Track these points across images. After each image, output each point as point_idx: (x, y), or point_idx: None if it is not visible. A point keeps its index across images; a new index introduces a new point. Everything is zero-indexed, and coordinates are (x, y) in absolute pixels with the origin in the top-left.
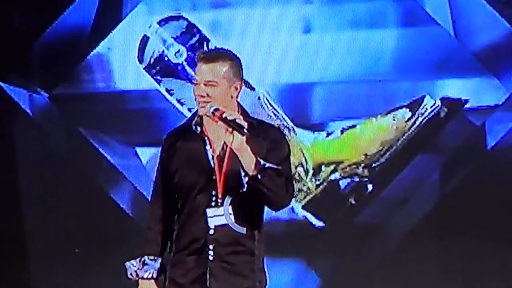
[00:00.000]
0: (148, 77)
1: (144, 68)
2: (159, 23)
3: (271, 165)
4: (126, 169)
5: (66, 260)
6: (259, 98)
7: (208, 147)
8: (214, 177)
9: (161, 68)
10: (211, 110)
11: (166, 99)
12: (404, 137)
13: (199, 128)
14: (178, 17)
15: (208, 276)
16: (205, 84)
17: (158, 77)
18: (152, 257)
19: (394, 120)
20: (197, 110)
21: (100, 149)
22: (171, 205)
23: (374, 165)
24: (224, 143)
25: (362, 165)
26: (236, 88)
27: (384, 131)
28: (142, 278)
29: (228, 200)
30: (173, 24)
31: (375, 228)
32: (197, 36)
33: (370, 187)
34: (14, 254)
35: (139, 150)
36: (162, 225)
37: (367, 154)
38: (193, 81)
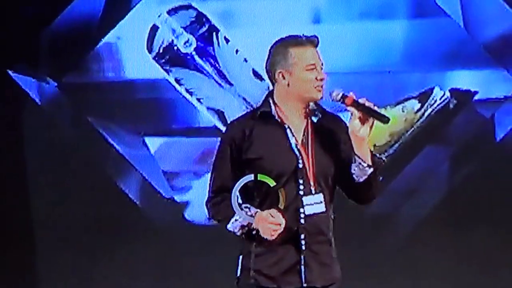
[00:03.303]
0: (157, 66)
1: (153, 58)
2: (168, 12)
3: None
4: (134, 158)
5: (74, 248)
6: (268, 88)
7: (290, 135)
8: (300, 166)
9: (170, 57)
10: (340, 95)
11: (175, 89)
12: (413, 128)
13: (277, 117)
14: (188, 7)
15: (302, 266)
16: (321, 68)
17: (167, 67)
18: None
19: (403, 111)
20: (266, 98)
21: (109, 138)
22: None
23: (383, 156)
24: (305, 130)
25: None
26: None
27: (394, 122)
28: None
29: (318, 188)
30: (183, 13)
31: (384, 219)
32: (207, 26)
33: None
34: (22, 243)
35: (147, 139)
36: None
37: (376, 145)
38: (307, 67)
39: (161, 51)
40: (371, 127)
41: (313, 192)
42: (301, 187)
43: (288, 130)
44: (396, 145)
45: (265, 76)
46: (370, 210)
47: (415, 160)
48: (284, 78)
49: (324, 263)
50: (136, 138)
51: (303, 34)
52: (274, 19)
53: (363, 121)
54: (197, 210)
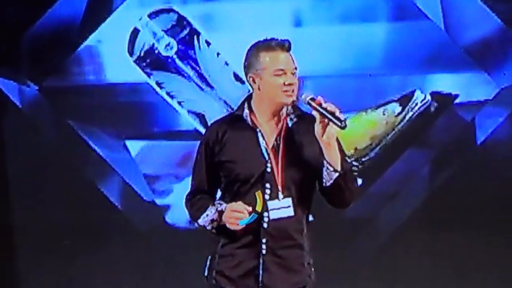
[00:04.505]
0: (138, 70)
1: (134, 61)
2: (149, 15)
3: (355, 163)
4: (115, 162)
5: (55, 252)
6: (249, 91)
7: (261, 139)
8: (268, 170)
9: (151, 61)
10: (308, 99)
11: (156, 92)
12: (394, 131)
13: (250, 121)
14: (169, 10)
15: (261, 270)
16: (292, 73)
17: (148, 70)
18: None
19: (384, 114)
20: (243, 102)
21: (89, 142)
22: (214, 194)
23: (364, 159)
24: (278, 135)
25: (352, 159)
26: None
27: (374, 125)
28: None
29: (287, 192)
30: (164, 17)
31: (364, 222)
32: (188, 29)
33: (359, 181)
34: (2, 247)
35: (128, 143)
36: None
37: (357, 148)
38: (275, 72)
39: (142, 54)
40: (334, 132)
41: (280, 196)
42: (268, 191)
43: (259, 134)
44: (377, 148)
45: (246, 80)
46: (350, 214)
47: (396, 164)
48: (254, 82)
49: (290, 268)
50: (117, 142)
51: (275, 38)
52: (255, 23)
53: (324, 125)
54: (178, 213)
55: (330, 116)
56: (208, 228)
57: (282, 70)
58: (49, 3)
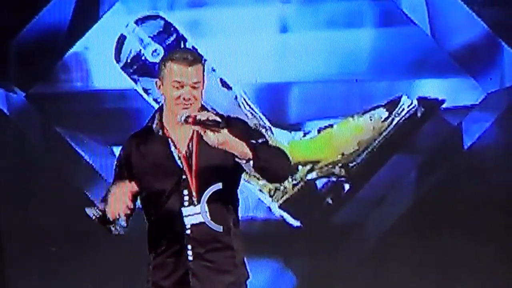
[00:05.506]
0: (125, 76)
1: (121, 68)
2: (136, 22)
3: (260, 139)
4: (102, 168)
5: (43, 259)
6: (236, 98)
7: (172, 148)
8: (184, 177)
9: (138, 67)
10: (183, 118)
11: (143, 99)
12: (381, 136)
13: (160, 131)
14: (155, 17)
15: (190, 276)
16: (192, 87)
17: (135, 76)
18: None
19: (371, 119)
20: (154, 113)
21: (77, 148)
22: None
23: (351, 164)
24: (190, 141)
25: (339, 164)
26: (203, 88)
27: (361, 130)
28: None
29: (203, 197)
30: (150, 23)
31: (352, 228)
32: (174, 35)
33: (347, 186)
34: None
35: (115, 149)
36: None
37: (344, 153)
38: (172, 84)
39: (129, 61)
40: (223, 133)
41: (196, 202)
42: (186, 198)
43: (171, 144)
44: (364, 153)
45: (233, 85)
46: (338, 219)
47: (383, 169)
48: (159, 88)
49: (222, 270)
50: (104, 148)
51: (187, 49)
52: (241, 29)
53: (211, 132)
54: None
55: (207, 124)
56: (92, 214)
57: (178, 82)
58: (36, 9)
